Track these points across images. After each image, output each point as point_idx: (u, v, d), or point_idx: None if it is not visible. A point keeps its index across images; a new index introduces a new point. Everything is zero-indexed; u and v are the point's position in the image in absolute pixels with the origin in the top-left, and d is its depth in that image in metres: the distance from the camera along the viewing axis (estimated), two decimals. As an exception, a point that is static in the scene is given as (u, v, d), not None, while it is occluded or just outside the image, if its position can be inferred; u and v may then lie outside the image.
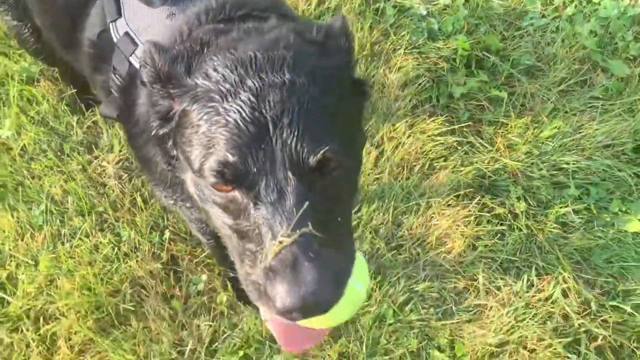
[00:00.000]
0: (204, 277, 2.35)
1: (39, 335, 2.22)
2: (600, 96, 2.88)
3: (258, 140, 1.08)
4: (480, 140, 2.74)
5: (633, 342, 2.29)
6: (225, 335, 2.25)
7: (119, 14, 1.55)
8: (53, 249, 2.37)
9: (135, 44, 1.49)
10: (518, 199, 2.58)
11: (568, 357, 2.24)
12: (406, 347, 2.24)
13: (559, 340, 2.26)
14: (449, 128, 2.74)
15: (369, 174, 2.58)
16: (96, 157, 2.60)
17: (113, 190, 2.50)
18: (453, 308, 2.35)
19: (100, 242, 2.38)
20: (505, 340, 2.27)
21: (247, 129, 1.08)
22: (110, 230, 2.43)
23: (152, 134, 1.33)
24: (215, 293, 2.34)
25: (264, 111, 1.08)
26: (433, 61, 2.93)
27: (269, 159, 1.07)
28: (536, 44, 3.03)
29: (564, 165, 2.66)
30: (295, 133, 1.07)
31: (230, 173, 1.09)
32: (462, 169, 2.63)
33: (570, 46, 2.97)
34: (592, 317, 2.33)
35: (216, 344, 2.24)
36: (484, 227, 2.50)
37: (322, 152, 1.08)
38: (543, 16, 3.11)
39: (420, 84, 2.84)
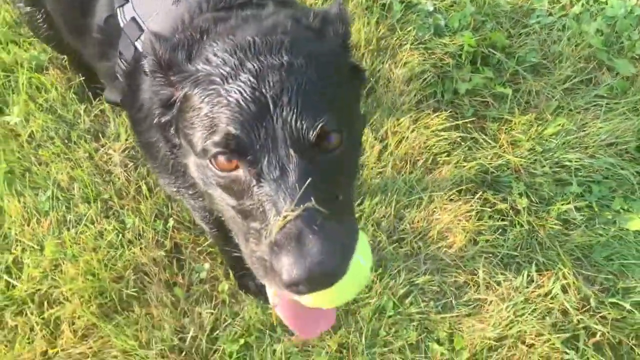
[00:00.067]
0: (207, 265, 2.38)
1: (43, 319, 2.25)
2: (605, 95, 2.88)
3: (259, 118, 1.10)
4: (484, 136, 2.75)
5: (632, 339, 2.30)
6: (226, 324, 2.27)
7: None
8: (58, 235, 2.40)
9: (142, 29, 1.51)
10: (520, 195, 2.59)
11: (566, 353, 2.25)
12: (405, 339, 2.26)
13: (558, 335, 2.27)
14: (453, 123, 2.75)
15: (372, 168, 2.60)
16: (103, 145, 2.63)
17: (119, 178, 2.53)
18: (453, 302, 2.37)
19: (105, 229, 2.41)
20: (504, 334, 2.29)
21: (249, 108, 1.10)
22: (115, 217, 2.46)
23: (155, 122, 1.36)
24: (217, 281, 2.36)
25: (264, 90, 1.11)
26: (439, 57, 2.94)
27: (270, 136, 1.09)
28: (542, 42, 3.03)
29: (567, 163, 2.66)
30: (295, 110, 1.10)
31: (234, 143, 1.11)
32: (465, 164, 2.65)
33: (576, 44, 2.98)
34: (591, 313, 2.34)
35: (217, 331, 2.26)
36: (486, 222, 2.52)
37: (320, 125, 1.10)
38: (550, 14, 3.12)
39: (425, 79, 2.86)
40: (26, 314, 2.25)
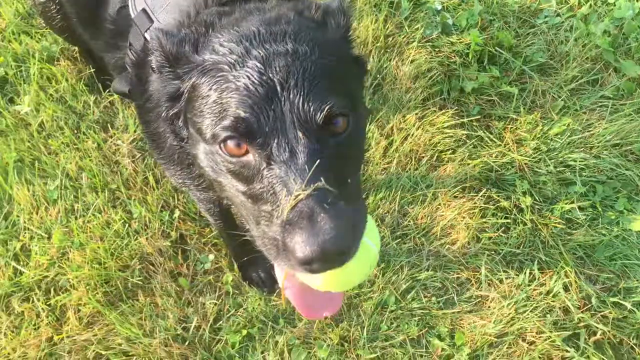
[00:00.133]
0: (211, 256, 2.40)
1: (49, 305, 2.29)
2: (611, 96, 2.88)
3: (268, 101, 1.12)
4: (489, 135, 2.77)
5: (633, 338, 2.31)
6: (229, 314, 2.30)
7: None
8: (66, 223, 2.43)
9: (151, 21, 1.54)
10: (524, 193, 2.60)
11: (567, 351, 2.26)
12: (406, 334, 2.28)
13: (558, 333, 2.28)
14: (458, 121, 2.77)
15: (377, 164, 2.62)
16: (111, 136, 2.66)
17: (126, 169, 2.56)
18: (454, 298, 2.38)
19: (112, 219, 2.44)
20: (504, 331, 2.30)
21: (257, 91, 1.13)
22: (122, 207, 2.49)
23: (162, 115, 1.38)
24: (221, 273, 2.39)
25: (271, 75, 1.14)
26: (446, 55, 2.95)
27: (279, 119, 1.12)
28: (549, 42, 3.04)
29: (572, 162, 2.67)
30: (302, 93, 1.12)
31: (243, 127, 1.13)
32: (469, 161, 2.66)
33: (583, 45, 2.98)
34: (593, 312, 2.35)
35: (220, 322, 2.29)
36: (489, 219, 2.53)
37: (327, 108, 1.13)
38: (557, 15, 3.12)
39: (432, 77, 2.87)
40: (33, 301, 2.28)
